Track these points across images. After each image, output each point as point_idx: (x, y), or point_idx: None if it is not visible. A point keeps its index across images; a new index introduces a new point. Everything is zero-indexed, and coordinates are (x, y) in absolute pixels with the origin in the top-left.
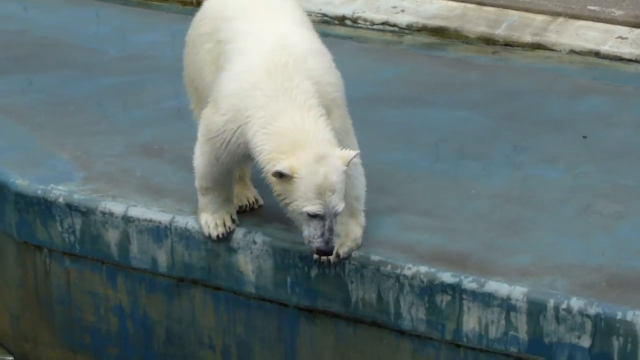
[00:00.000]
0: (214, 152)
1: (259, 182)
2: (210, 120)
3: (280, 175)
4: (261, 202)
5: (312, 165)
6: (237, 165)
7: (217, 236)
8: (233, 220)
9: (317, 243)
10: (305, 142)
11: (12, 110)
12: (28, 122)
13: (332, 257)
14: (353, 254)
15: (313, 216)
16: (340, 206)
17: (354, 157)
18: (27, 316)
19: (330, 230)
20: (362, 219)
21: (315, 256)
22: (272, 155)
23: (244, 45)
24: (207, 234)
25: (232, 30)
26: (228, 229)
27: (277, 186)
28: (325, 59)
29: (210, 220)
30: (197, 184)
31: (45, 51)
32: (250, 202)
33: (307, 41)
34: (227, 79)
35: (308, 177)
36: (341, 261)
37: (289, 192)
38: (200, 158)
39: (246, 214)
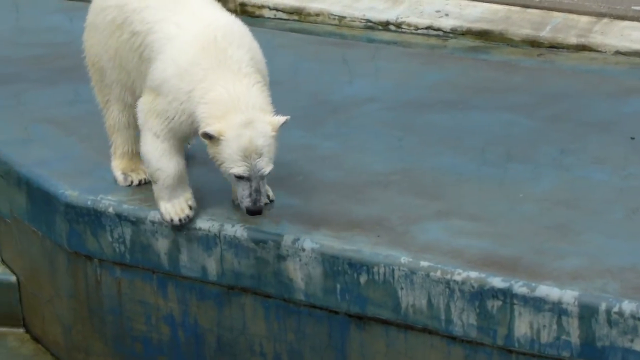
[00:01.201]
0: (159, 135)
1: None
2: (152, 106)
3: (208, 137)
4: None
5: (238, 129)
6: (183, 141)
7: (179, 221)
8: (190, 206)
9: (246, 202)
10: (236, 107)
11: (60, 121)
12: (76, 133)
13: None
14: (402, 260)
15: (240, 177)
16: (267, 169)
17: (284, 122)
18: (78, 326)
19: (257, 191)
20: None
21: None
22: (206, 121)
23: (167, 32)
24: (168, 220)
25: (146, 21)
26: (187, 217)
27: (209, 148)
28: (246, 30)
29: (169, 207)
30: (149, 171)
31: None
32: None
33: (226, 16)
34: (161, 65)
35: (234, 140)
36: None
37: (218, 153)
38: (147, 145)
39: (293, 220)
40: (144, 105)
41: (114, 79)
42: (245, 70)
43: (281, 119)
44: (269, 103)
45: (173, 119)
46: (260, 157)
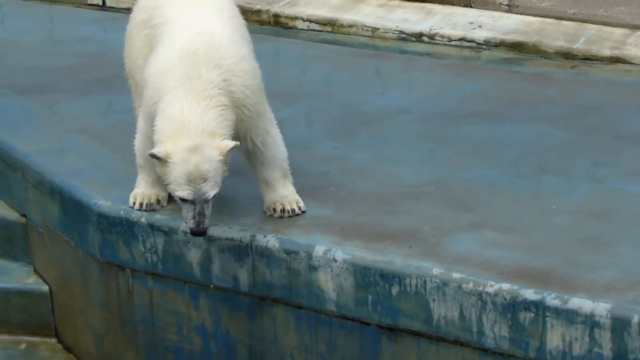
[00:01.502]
0: (144, 128)
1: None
2: (145, 93)
3: (156, 157)
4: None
5: (185, 153)
6: None
7: (140, 207)
8: (158, 201)
9: (190, 224)
10: (186, 131)
11: (94, 131)
12: (109, 143)
13: (275, 215)
14: (434, 271)
15: (184, 200)
16: (211, 193)
17: (232, 147)
18: (110, 336)
19: (201, 214)
20: (290, 178)
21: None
22: (158, 137)
23: (171, 28)
24: (130, 204)
25: (163, 15)
26: (147, 206)
27: (157, 167)
28: (241, 49)
29: (138, 195)
30: (137, 163)
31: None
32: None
33: (226, 29)
34: (153, 59)
35: (180, 164)
36: (291, 216)
37: (165, 174)
38: (137, 135)
39: (325, 231)
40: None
41: (139, 81)
42: (209, 92)
43: (230, 143)
44: (223, 127)
45: (149, 115)
46: (205, 182)
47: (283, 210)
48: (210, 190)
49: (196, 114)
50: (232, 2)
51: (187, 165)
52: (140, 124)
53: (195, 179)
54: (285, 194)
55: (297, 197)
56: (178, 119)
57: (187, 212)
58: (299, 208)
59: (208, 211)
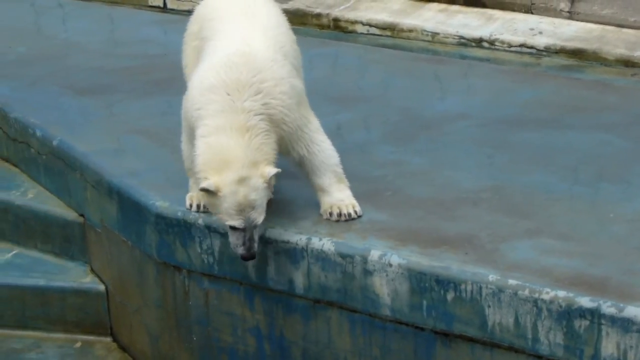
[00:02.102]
0: (186, 135)
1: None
2: (184, 104)
3: (207, 191)
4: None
5: (233, 186)
6: None
7: (193, 209)
8: None
9: (240, 251)
10: (232, 164)
11: (153, 132)
12: (168, 144)
13: (332, 219)
14: (490, 277)
15: (234, 228)
16: (260, 219)
17: (275, 174)
18: (165, 336)
19: (251, 239)
20: (346, 182)
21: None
22: (203, 168)
23: (217, 44)
24: (187, 206)
25: (212, 29)
26: (205, 208)
27: (205, 199)
28: (282, 69)
29: (194, 197)
30: (186, 167)
31: None
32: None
33: (269, 49)
34: (197, 71)
35: (230, 196)
36: (347, 220)
37: (215, 206)
38: (182, 143)
39: (381, 235)
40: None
41: None
42: (251, 122)
43: (272, 170)
44: (265, 153)
45: (188, 124)
46: (253, 209)
47: (340, 214)
48: (259, 217)
49: (240, 147)
50: (281, 14)
51: (237, 196)
52: (183, 129)
53: (245, 208)
54: (342, 197)
55: (354, 201)
56: (223, 152)
57: (237, 239)
58: (356, 212)
59: (257, 235)
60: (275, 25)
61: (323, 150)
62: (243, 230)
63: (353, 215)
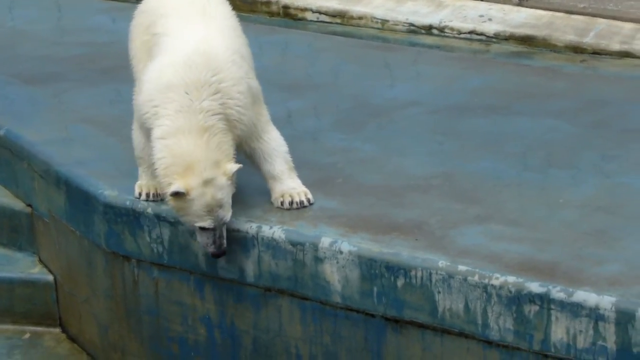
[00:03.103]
0: (137, 125)
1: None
2: (136, 97)
3: (176, 195)
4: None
5: (200, 188)
6: None
7: (141, 198)
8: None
9: (211, 249)
10: (195, 166)
11: (101, 121)
12: (116, 133)
13: (284, 207)
14: (440, 264)
15: (204, 229)
16: (228, 216)
17: (237, 169)
18: (115, 326)
19: (221, 236)
20: (295, 171)
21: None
22: (166, 172)
23: (175, 41)
24: (136, 195)
25: (166, 25)
26: (154, 196)
27: (171, 202)
28: (239, 70)
29: (143, 186)
30: (136, 156)
31: None
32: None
33: (228, 50)
34: (152, 67)
35: (198, 199)
36: (299, 208)
37: (183, 209)
38: (133, 132)
39: (331, 223)
40: (135, 92)
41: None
42: (209, 122)
43: (234, 167)
44: (225, 151)
45: (141, 118)
46: (221, 208)
47: (292, 202)
48: (227, 214)
49: (200, 148)
50: (234, 16)
51: (205, 198)
52: (134, 119)
53: (213, 208)
54: (294, 185)
55: (305, 189)
56: (184, 155)
57: (208, 238)
58: (308, 200)
59: (224, 232)
60: (231, 27)
61: (274, 139)
62: (213, 229)
63: (305, 203)
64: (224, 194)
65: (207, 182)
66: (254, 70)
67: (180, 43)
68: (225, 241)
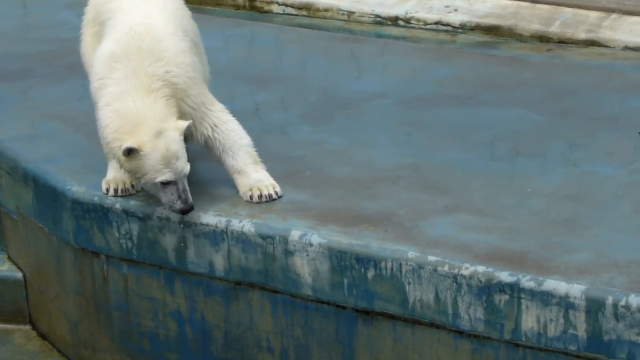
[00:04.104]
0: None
1: None
2: (90, 83)
3: (128, 153)
4: (280, 192)
5: (153, 141)
6: None
7: (109, 194)
8: (132, 186)
9: (178, 205)
10: (144, 122)
11: (68, 117)
12: (83, 129)
13: (253, 201)
14: (410, 254)
15: (166, 184)
16: (187, 168)
17: (187, 125)
18: (85, 323)
19: (184, 190)
20: (261, 162)
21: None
22: (115, 135)
23: (117, 20)
24: (103, 190)
25: (110, 10)
26: (122, 191)
27: (126, 164)
28: (182, 43)
29: (111, 181)
30: (105, 149)
31: None
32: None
33: (169, 23)
34: (100, 47)
35: (153, 152)
36: (268, 201)
37: (139, 167)
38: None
39: (301, 215)
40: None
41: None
42: (154, 85)
43: (184, 123)
44: (172, 113)
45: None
46: (178, 160)
47: (260, 196)
48: (185, 166)
49: (147, 106)
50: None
51: (160, 150)
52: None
53: (170, 160)
54: (261, 178)
55: (273, 181)
56: (132, 115)
57: (171, 194)
58: (276, 193)
59: (187, 186)
60: (173, 4)
61: (233, 130)
62: (175, 183)
63: (274, 195)
64: (178, 146)
65: (158, 134)
66: (203, 49)
67: (122, 20)
68: (190, 196)
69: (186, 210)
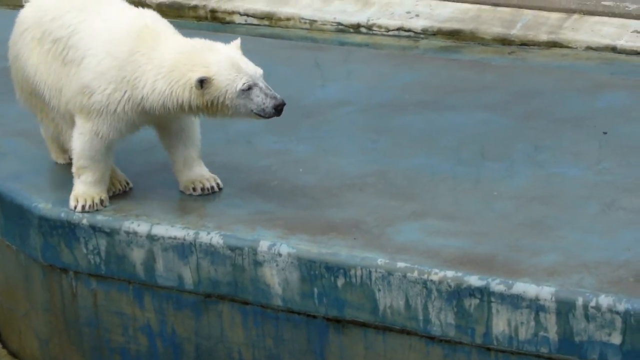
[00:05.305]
0: (95, 128)
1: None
2: (88, 102)
3: (202, 82)
4: (131, 184)
5: (217, 57)
6: (120, 136)
7: (77, 208)
8: (101, 201)
9: (270, 103)
10: (192, 52)
11: (31, 134)
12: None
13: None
14: (379, 261)
15: (247, 90)
16: (259, 69)
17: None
18: (55, 340)
19: (268, 87)
20: (201, 159)
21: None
22: (182, 81)
23: (93, 30)
24: (71, 207)
25: (67, 25)
26: (91, 207)
27: (205, 97)
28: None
29: (79, 197)
30: (74, 166)
31: None
32: (122, 185)
33: (147, 11)
34: (93, 61)
35: (222, 66)
36: (209, 194)
37: (218, 90)
38: (79, 138)
39: (269, 226)
40: (77, 101)
41: (44, 95)
42: (176, 34)
43: (237, 41)
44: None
45: (115, 111)
46: (247, 63)
47: (203, 189)
48: (257, 67)
49: (185, 41)
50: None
51: (226, 60)
52: (85, 126)
53: (239, 63)
54: (202, 172)
55: (214, 175)
56: (177, 56)
57: (258, 96)
58: (217, 185)
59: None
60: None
61: (196, 124)
62: (256, 85)
63: (216, 188)
64: (237, 53)
65: (215, 50)
66: None
67: (106, 24)
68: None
69: (280, 105)
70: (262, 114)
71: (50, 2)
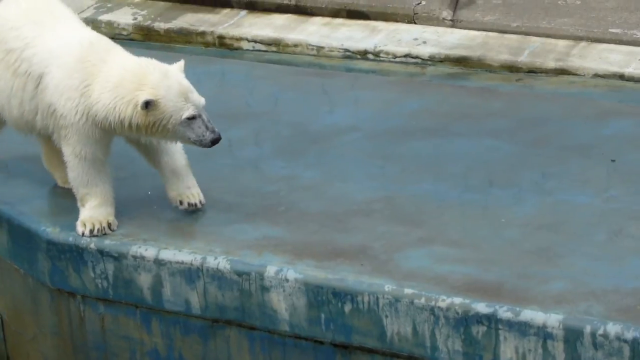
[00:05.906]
0: (72, 150)
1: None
2: (56, 122)
3: (147, 104)
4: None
5: (165, 82)
6: (101, 155)
7: (85, 233)
8: (109, 225)
9: (209, 136)
10: (147, 71)
11: (39, 157)
12: None
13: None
14: (386, 288)
15: (191, 119)
16: (203, 100)
17: (184, 63)
18: None
19: (209, 121)
20: (190, 167)
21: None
22: (127, 99)
23: (47, 47)
24: (79, 232)
25: (23, 37)
26: (99, 231)
27: (148, 118)
28: None
29: (87, 221)
30: (77, 196)
31: None
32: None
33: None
34: (48, 78)
35: (169, 92)
36: (194, 210)
37: (161, 114)
38: (68, 166)
39: (276, 251)
40: (51, 128)
41: None
42: (128, 54)
43: (180, 62)
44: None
45: (79, 123)
46: (193, 93)
47: (189, 204)
48: (201, 98)
49: (138, 60)
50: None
51: (174, 88)
52: (66, 150)
53: (186, 92)
54: (190, 185)
55: (199, 190)
56: (130, 73)
57: (199, 128)
58: (200, 202)
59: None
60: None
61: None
62: (199, 116)
63: (199, 205)
64: (187, 81)
65: (165, 76)
66: None
67: (60, 41)
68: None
69: (217, 140)
70: (198, 144)
71: (12, 11)
